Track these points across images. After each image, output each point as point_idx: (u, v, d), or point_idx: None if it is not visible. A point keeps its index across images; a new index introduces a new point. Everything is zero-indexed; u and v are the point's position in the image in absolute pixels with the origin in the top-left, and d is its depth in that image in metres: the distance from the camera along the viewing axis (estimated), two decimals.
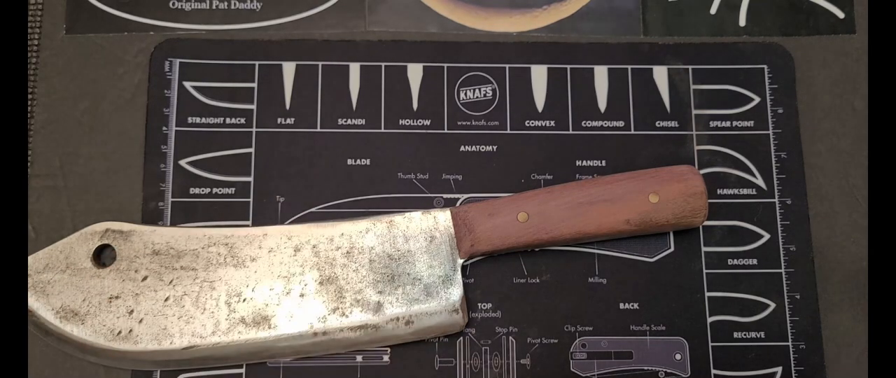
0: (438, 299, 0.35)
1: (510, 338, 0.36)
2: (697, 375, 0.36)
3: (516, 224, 0.35)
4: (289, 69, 0.39)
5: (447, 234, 0.35)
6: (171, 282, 0.34)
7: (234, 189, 0.37)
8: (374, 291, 0.34)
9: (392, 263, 0.35)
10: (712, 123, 0.39)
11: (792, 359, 0.36)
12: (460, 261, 0.35)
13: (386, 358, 0.36)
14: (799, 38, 0.40)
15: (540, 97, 0.39)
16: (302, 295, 0.34)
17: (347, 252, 0.35)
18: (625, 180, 0.35)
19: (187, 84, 0.39)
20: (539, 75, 0.39)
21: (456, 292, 0.35)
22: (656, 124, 0.39)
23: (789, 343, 0.36)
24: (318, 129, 0.38)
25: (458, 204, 0.38)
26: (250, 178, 0.38)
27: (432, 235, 0.35)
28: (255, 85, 0.39)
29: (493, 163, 0.38)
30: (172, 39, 0.39)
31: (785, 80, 0.39)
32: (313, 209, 0.37)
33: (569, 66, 0.39)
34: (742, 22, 0.41)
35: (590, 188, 0.35)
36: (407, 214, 0.36)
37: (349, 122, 0.38)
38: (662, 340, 0.36)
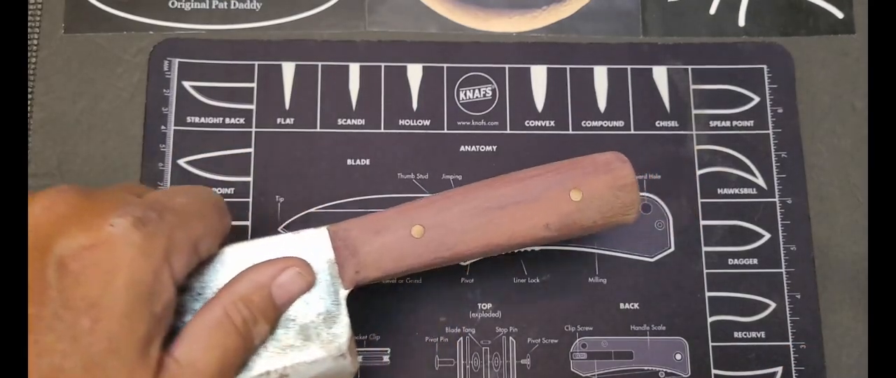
0: (319, 343, 0.28)
1: (510, 338, 0.36)
2: (698, 375, 0.36)
3: (410, 241, 0.29)
4: (288, 69, 0.39)
5: (326, 259, 0.29)
6: None
7: (233, 189, 0.37)
8: None
9: None
10: (712, 123, 0.39)
11: (792, 359, 0.36)
12: (344, 292, 0.29)
13: (386, 358, 0.36)
14: (798, 38, 0.40)
15: (540, 97, 0.39)
16: None
17: (199, 293, 0.28)
18: (540, 175, 0.30)
19: (186, 84, 0.38)
20: (539, 75, 0.39)
21: (341, 333, 0.28)
22: (656, 124, 0.39)
23: (790, 343, 0.36)
24: (318, 130, 0.38)
25: None
26: (250, 179, 0.37)
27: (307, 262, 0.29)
28: (254, 85, 0.39)
29: (492, 163, 0.38)
30: (172, 39, 0.39)
31: (785, 80, 0.39)
32: (313, 209, 0.37)
33: (568, 67, 0.39)
34: (741, 22, 0.41)
35: (498, 188, 0.30)
36: (273, 238, 0.29)
37: (349, 122, 0.38)
38: (662, 340, 0.36)
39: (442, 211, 0.29)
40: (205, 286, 0.27)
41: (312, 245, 0.29)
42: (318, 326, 0.28)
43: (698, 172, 0.38)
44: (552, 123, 0.39)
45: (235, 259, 0.28)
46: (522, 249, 0.37)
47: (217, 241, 0.28)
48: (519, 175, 0.30)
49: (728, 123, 0.39)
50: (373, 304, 0.36)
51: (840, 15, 0.41)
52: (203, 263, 0.27)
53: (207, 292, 0.27)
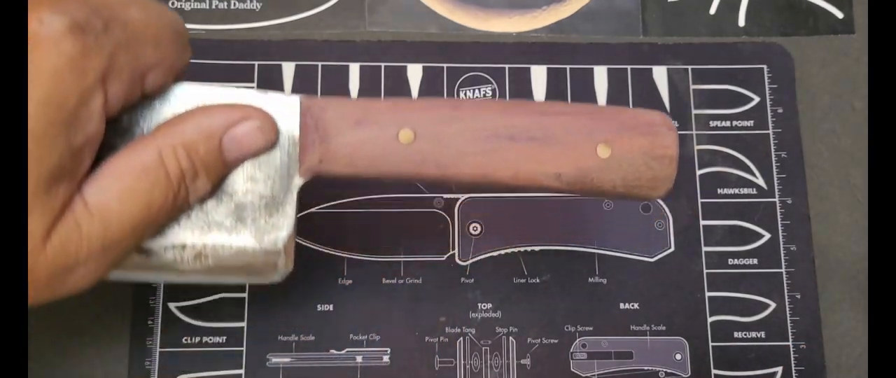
0: (253, 229, 0.24)
1: (510, 338, 0.36)
2: (697, 375, 0.36)
3: (395, 145, 0.24)
4: (288, 69, 0.39)
5: (288, 135, 0.24)
6: None
7: None
8: None
9: None
10: (712, 123, 0.39)
11: (792, 359, 0.36)
12: (298, 180, 0.24)
13: (386, 358, 0.36)
14: (798, 39, 0.40)
15: (540, 97, 0.39)
16: None
17: (131, 133, 0.23)
18: (568, 115, 0.25)
19: (186, 84, 0.38)
20: (539, 75, 0.39)
21: (283, 225, 0.24)
22: None
23: (790, 343, 0.36)
24: None
25: (458, 204, 0.38)
26: None
27: None
28: (254, 85, 0.39)
29: None
30: None
31: (785, 80, 0.39)
32: (313, 209, 0.37)
33: (568, 67, 0.39)
34: (741, 22, 0.41)
35: (515, 115, 0.25)
36: (235, 88, 0.24)
37: None
38: (663, 340, 0.36)
39: (441, 122, 0.24)
40: (139, 125, 0.23)
41: (277, 112, 0.24)
42: (257, 211, 0.23)
43: (698, 172, 0.38)
44: None
45: (186, 99, 0.23)
46: (523, 248, 0.37)
47: (169, 77, 0.23)
48: (543, 106, 0.25)
49: (728, 123, 0.39)
50: (373, 304, 0.36)
51: (840, 15, 0.41)
52: (145, 97, 0.23)
53: (142, 132, 0.23)
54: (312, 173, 0.24)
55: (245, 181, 0.23)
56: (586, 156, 0.24)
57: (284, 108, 0.24)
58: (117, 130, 0.23)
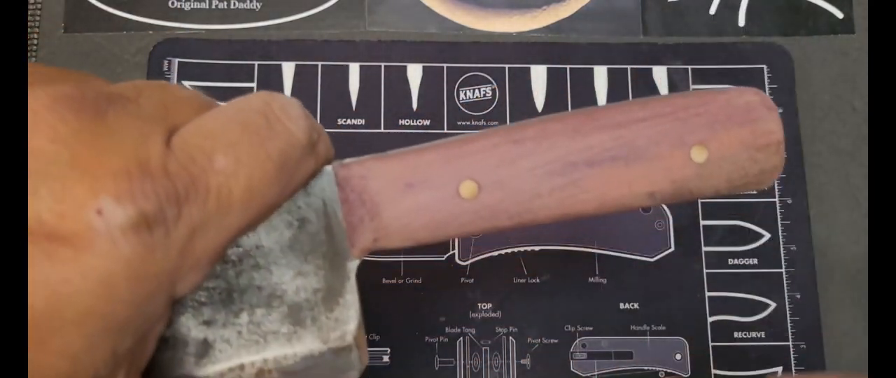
0: (316, 330, 0.20)
1: (510, 338, 0.36)
2: (697, 375, 0.36)
3: (457, 203, 0.20)
4: (288, 69, 0.39)
5: (330, 214, 0.20)
6: None
7: None
8: (195, 323, 0.19)
9: (228, 270, 0.19)
10: None
11: (792, 359, 0.36)
12: (353, 263, 0.21)
13: (386, 358, 0.36)
14: (798, 39, 0.40)
15: (540, 97, 0.39)
16: None
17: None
18: (650, 119, 0.21)
19: (186, 84, 0.38)
20: (538, 75, 0.39)
21: (347, 317, 0.20)
22: None
23: (790, 343, 0.36)
24: None
25: None
26: None
27: (303, 217, 0.20)
28: (254, 85, 0.39)
29: None
30: (171, 39, 0.39)
31: (784, 80, 0.39)
32: None
33: (568, 67, 0.39)
34: (741, 22, 0.41)
35: (588, 134, 0.21)
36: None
37: (349, 122, 0.38)
38: (662, 340, 0.36)
39: (505, 164, 0.20)
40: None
41: (312, 194, 0.20)
42: (316, 308, 0.20)
43: None
44: None
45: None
46: (523, 248, 0.37)
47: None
48: (617, 114, 0.21)
49: None
50: (372, 304, 0.36)
51: (840, 15, 0.41)
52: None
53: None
54: (367, 251, 0.21)
55: (294, 277, 0.20)
56: (680, 165, 0.21)
57: (321, 183, 0.20)
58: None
